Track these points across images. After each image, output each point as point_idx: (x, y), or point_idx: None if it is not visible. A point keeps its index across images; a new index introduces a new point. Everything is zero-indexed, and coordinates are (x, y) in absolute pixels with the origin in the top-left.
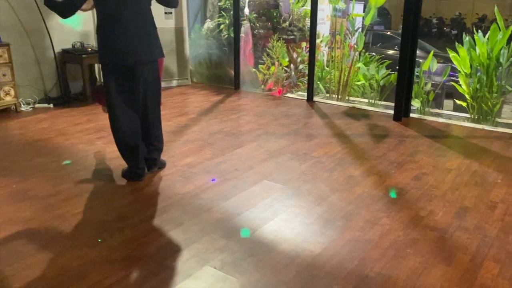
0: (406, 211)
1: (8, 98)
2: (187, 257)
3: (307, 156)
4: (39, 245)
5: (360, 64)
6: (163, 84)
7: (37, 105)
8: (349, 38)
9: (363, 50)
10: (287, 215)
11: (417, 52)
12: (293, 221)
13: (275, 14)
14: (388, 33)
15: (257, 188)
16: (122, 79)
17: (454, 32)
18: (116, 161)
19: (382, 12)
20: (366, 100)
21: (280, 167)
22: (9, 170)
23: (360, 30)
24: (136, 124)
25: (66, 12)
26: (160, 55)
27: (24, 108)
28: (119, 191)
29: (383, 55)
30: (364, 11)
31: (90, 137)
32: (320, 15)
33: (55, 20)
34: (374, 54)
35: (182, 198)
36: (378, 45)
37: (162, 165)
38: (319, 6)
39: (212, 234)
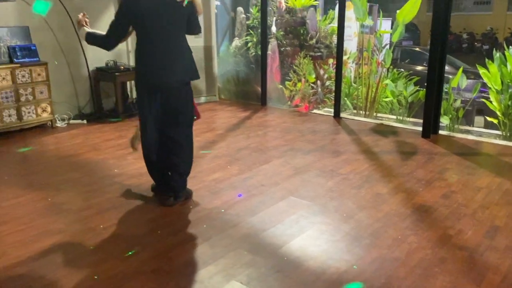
0: (434, 229)
1: (44, 115)
2: (214, 271)
3: (334, 173)
4: (72, 257)
5: (387, 81)
6: None
7: (71, 121)
8: (377, 55)
9: (391, 67)
10: (313, 232)
11: (446, 68)
12: (319, 238)
13: (302, 32)
14: (417, 49)
15: (284, 204)
16: (154, 98)
17: (485, 47)
18: (146, 176)
19: (411, 28)
20: (394, 117)
21: (306, 183)
22: (45, 184)
23: (387, 46)
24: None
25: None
26: (194, 77)
27: (59, 124)
28: (148, 205)
29: (411, 71)
30: (391, 28)
31: (121, 152)
32: (347, 31)
33: None
34: (402, 70)
35: (209, 213)
36: (407, 61)
37: (189, 195)
38: (346, 23)
39: (238, 249)
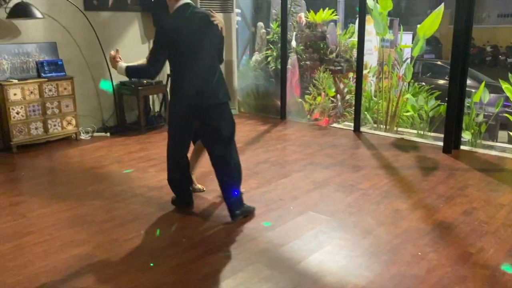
0: (455, 246)
1: (69, 127)
2: (233, 285)
3: (353, 188)
4: (94, 268)
5: (408, 95)
6: None
7: (95, 134)
8: (398, 69)
9: (412, 80)
10: (332, 248)
11: (469, 82)
12: (338, 253)
13: (322, 46)
14: (439, 62)
15: (302, 219)
16: (190, 120)
17: (510, 60)
18: (167, 189)
19: (433, 41)
20: (415, 131)
21: (325, 198)
22: (69, 196)
23: (408, 60)
24: (184, 158)
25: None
26: (227, 98)
27: (83, 136)
28: (169, 217)
29: (433, 85)
30: (412, 42)
31: (143, 165)
32: (368, 45)
33: None
34: (424, 84)
35: (228, 226)
36: (428, 75)
37: (248, 212)
38: (367, 37)
39: (256, 263)
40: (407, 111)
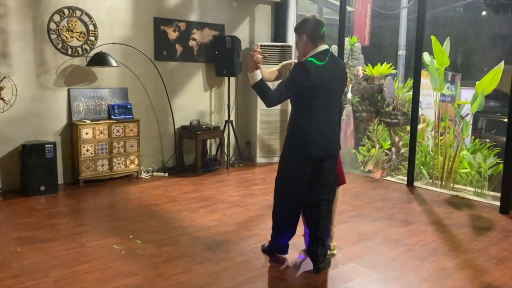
0: None
1: (132, 166)
2: None
3: (399, 243)
4: None
5: (465, 152)
6: (266, 160)
7: (154, 173)
8: (457, 124)
9: (472, 137)
10: None
11: None
12: None
13: (379, 98)
14: (505, 120)
15: (343, 270)
16: (309, 168)
17: None
18: (215, 229)
19: (502, 97)
20: (473, 189)
21: (369, 250)
22: (125, 230)
23: (468, 116)
24: (297, 216)
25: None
26: (340, 148)
27: (144, 175)
28: (214, 257)
29: (495, 143)
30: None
31: (195, 205)
32: (427, 99)
33: (178, 101)
34: (488, 140)
35: (269, 270)
36: (493, 131)
37: (328, 264)
38: (427, 91)
39: None
40: (465, 168)
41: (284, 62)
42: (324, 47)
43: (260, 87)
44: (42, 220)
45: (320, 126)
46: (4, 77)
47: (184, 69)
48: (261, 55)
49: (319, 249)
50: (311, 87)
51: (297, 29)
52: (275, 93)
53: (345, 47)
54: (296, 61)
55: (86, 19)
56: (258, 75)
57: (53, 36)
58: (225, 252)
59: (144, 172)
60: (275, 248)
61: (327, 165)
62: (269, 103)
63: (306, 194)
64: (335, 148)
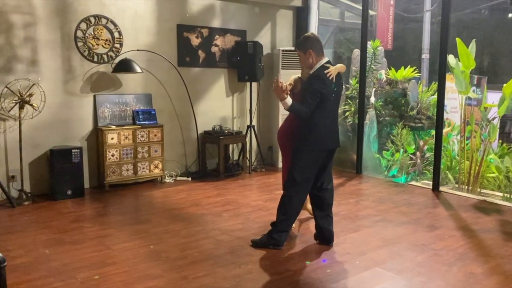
0: None
1: (156, 171)
2: None
3: (425, 248)
4: None
5: (493, 156)
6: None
7: (178, 178)
8: (483, 128)
9: (499, 141)
10: None
11: None
12: None
13: (402, 102)
14: None
15: (367, 275)
16: (320, 161)
17: None
18: (238, 233)
19: None
20: (501, 194)
21: (394, 255)
22: (149, 233)
23: (496, 120)
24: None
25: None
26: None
27: (167, 180)
28: (237, 260)
29: None
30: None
31: (218, 209)
32: (453, 103)
33: (201, 106)
34: None
35: (292, 275)
36: None
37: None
38: (453, 95)
39: None
40: (492, 172)
41: (292, 78)
42: (326, 59)
43: (294, 109)
44: (69, 223)
45: (330, 125)
46: (33, 84)
47: (207, 75)
48: (281, 82)
49: (331, 227)
50: (327, 92)
51: (301, 46)
52: (305, 107)
53: (367, 51)
54: (299, 75)
55: (111, 26)
56: (289, 100)
57: (79, 44)
58: (249, 256)
59: (168, 176)
60: (276, 241)
61: (332, 156)
62: (305, 116)
63: (317, 181)
64: (338, 143)
